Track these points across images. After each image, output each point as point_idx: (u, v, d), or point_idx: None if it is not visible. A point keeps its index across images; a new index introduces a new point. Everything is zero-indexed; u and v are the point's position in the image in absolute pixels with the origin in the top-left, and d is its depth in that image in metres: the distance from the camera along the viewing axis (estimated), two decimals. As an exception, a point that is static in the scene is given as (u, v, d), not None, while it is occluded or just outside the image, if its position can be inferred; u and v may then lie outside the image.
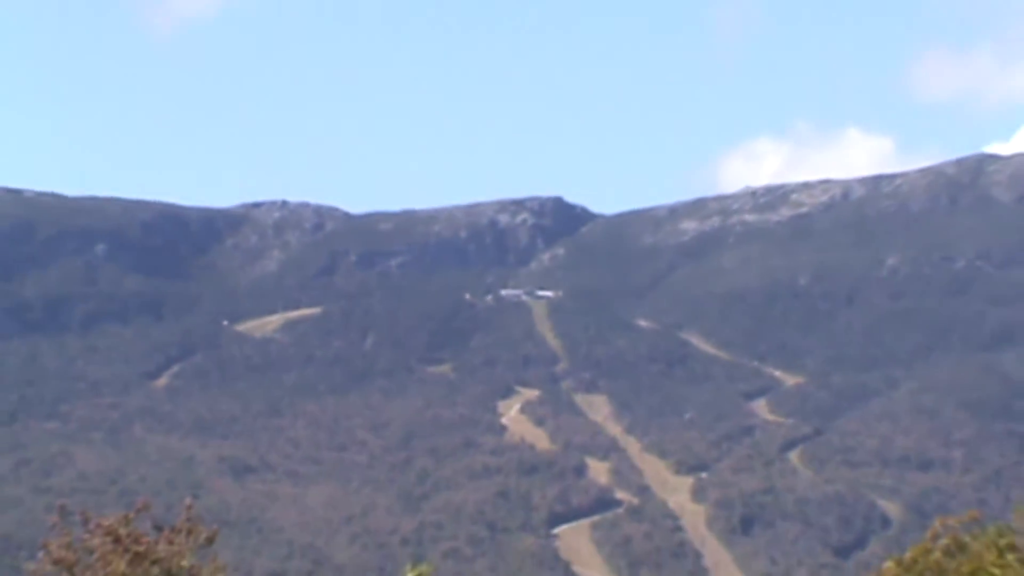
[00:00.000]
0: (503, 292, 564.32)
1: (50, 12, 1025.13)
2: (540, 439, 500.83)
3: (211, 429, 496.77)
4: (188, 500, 60.61)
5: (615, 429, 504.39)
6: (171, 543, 57.17)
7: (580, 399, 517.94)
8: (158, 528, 58.34)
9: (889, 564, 70.41)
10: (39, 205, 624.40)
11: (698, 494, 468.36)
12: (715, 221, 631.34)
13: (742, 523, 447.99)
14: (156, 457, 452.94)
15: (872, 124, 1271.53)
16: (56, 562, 57.89)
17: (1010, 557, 57.10)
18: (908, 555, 69.85)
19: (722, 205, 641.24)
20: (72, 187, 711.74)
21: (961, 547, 66.39)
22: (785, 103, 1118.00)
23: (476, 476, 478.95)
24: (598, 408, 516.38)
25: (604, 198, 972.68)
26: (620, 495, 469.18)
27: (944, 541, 68.45)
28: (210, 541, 58.46)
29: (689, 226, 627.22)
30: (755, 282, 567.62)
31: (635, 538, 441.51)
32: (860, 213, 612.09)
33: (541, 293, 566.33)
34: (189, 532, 57.86)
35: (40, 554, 59.38)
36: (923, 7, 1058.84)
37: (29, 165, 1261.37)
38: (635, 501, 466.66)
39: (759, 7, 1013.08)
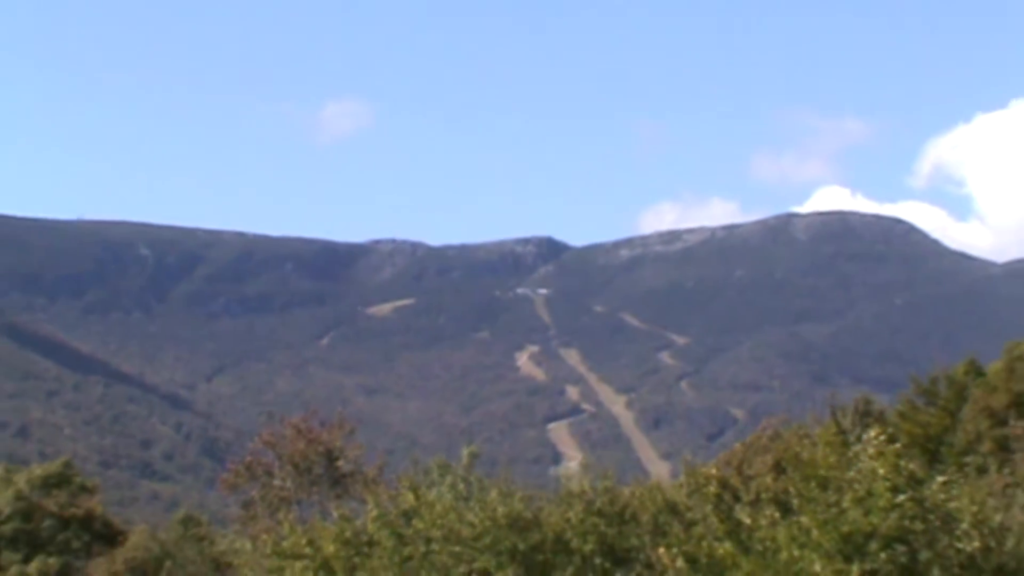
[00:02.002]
0: (518, 290, 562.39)
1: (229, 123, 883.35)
2: (539, 375, 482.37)
3: (353, 368, 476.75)
4: (339, 410, 62.50)
5: (582, 369, 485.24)
6: (330, 434, 56.15)
7: (562, 352, 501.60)
8: (322, 424, 57.76)
9: (737, 446, 68.73)
10: (256, 241, 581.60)
11: (629, 405, 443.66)
12: (639, 250, 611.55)
13: (654, 423, 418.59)
14: (322, 384, 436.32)
15: (726, 194, 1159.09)
16: (264, 443, 58.08)
17: (806, 441, 45.59)
18: (748, 440, 67.52)
19: (644, 240, 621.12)
20: (273, 229, 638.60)
21: (778, 435, 61.21)
22: (678, 181, 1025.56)
23: (502, 396, 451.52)
24: (573, 357, 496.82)
25: (576, 234, 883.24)
26: (584, 407, 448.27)
27: (768, 432, 64.36)
28: (352, 432, 58.19)
29: (625, 253, 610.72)
30: (662, 285, 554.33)
31: (593, 431, 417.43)
32: (720, 247, 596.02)
33: (540, 291, 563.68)
34: (340, 427, 57.58)
35: (256, 439, 60.62)
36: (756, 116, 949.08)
37: (247, 215, 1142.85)
38: (593, 410, 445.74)
39: (670, 119, 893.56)
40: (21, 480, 50.54)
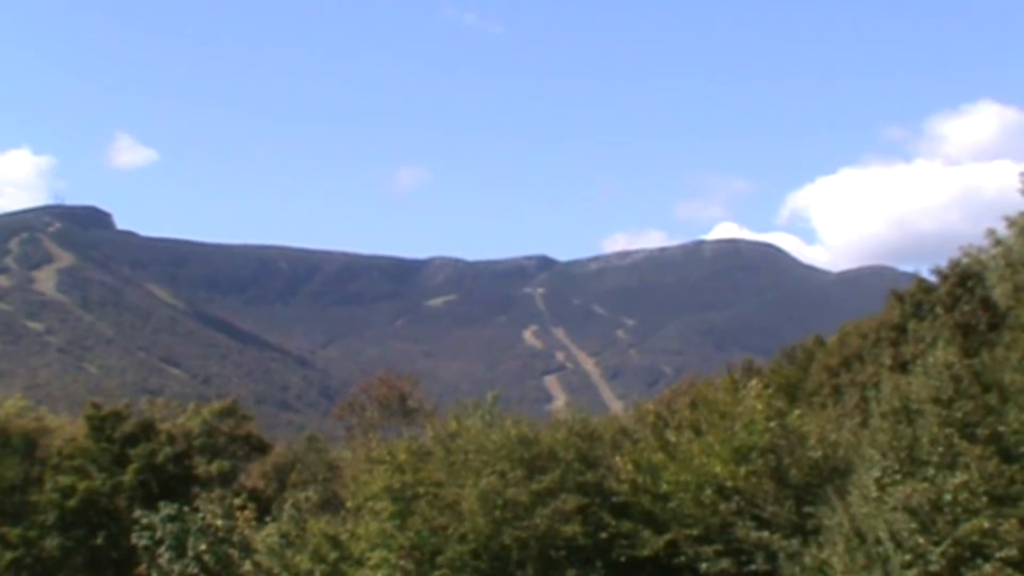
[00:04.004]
0: (524, 290, 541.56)
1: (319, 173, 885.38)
2: (537, 345, 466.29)
3: (416, 341, 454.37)
4: (410, 376, 57.09)
5: (566, 341, 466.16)
6: (402, 383, 52.98)
7: (553, 330, 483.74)
8: (397, 377, 54.27)
9: (666, 391, 58.18)
10: (354, 257, 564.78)
11: (596, 365, 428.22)
12: (603, 264, 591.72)
13: (612, 376, 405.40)
14: (396, 351, 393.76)
15: (659, 227, 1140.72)
16: (360, 389, 54.38)
17: (710, 388, 37.49)
18: (673, 388, 57.49)
19: (606, 257, 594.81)
20: (365, 249, 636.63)
21: (693, 385, 50.78)
22: (628, 217, 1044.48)
23: (514, 359, 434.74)
24: (560, 333, 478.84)
25: (562, 253, 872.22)
26: (567, 365, 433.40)
27: (687, 383, 55.52)
28: (416, 383, 54.92)
29: (594, 265, 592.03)
30: (618, 287, 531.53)
31: (572, 382, 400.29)
32: (655, 262, 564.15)
33: (538, 291, 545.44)
34: (408, 379, 54.51)
35: (355, 387, 57.12)
36: (679, 175, 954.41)
37: (349, 239, 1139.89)
38: (572, 367, 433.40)
39: (624, 175, 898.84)
40: (206, 412, 51.53)
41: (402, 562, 27.73)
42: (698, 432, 28.18)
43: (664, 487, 27.20)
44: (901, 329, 37.78)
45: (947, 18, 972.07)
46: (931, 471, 21.07)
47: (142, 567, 33.72)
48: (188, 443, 46.99)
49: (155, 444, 44.57)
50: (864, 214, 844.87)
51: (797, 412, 28.38)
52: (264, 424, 61.08)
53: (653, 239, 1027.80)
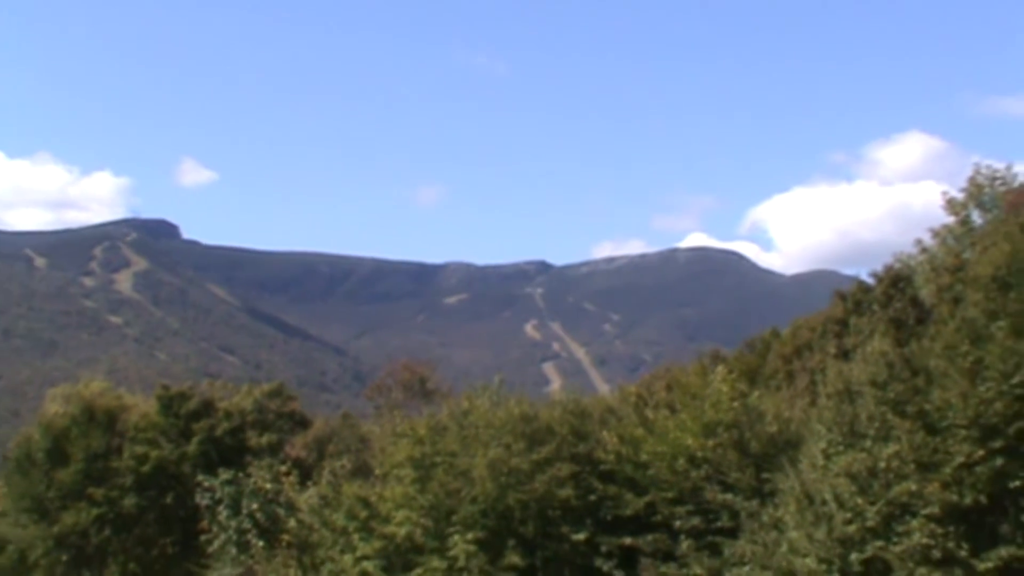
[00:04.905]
0: (526, 290, 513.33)
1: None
2: (537, 336, 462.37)
3: (435, 333, 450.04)
4: (429, 363, 56.13)
5: (561, 333, 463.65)
6: (423, 368, 51.36)
7: (550, 324, 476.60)
8: (418, 363, 53.36)
9: (646, 376, 55.73)
10: (382, 262, 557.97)
11: (587, 353, 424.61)
12: (593, 268, 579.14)
13: (600, 363, 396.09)
14: (417, 341, 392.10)
15: (639, 237, 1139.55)
16: (387, 373, 53.14)
17: (683, 373, 36.13)
18: (652, 373, 54.49)
19: (595, 262, 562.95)
20: (391, 255, 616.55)
21: (668, 370, 48.42)
22: (614, 228, 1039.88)
23: (517, 348, 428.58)
24: (556, 327, 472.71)
25: (557, 258, 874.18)
26: (562, 354, 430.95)
27: (663, 368, 53.38)
28: (434, 368, 53.82)
29: (584, 269, 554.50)
30: (605, 288, 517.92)
31: (567, 367, 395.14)
32: (636, 267, 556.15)
33: (538, 290, 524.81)
34: (428, 365, 53.54)
35: (382, 372, 55.80)
36: (655, 193, 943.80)
37: (378, 246, 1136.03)
38: (567, 356, 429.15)
39: (611, 193, 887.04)
40: (257, 393, 50.93)
41: (422, 520, 27.81)
42: (673, 410, 28.12)
43: (644, 457, 27.09)
44: (844, 323, 37.76)
45: (882, 61, 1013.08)
46: (868, 443, 21.14)
47: (204, 523, 33.97)
48: (242, 419, 47.02)
49: (214, 420, 44.67)
50: (813, 226, 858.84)
51: (757, 393, 28.30)
52: (306, 403, 60.54)
53: (634, 247, 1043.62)
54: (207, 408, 44.98)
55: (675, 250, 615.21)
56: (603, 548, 26.37)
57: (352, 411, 64.80)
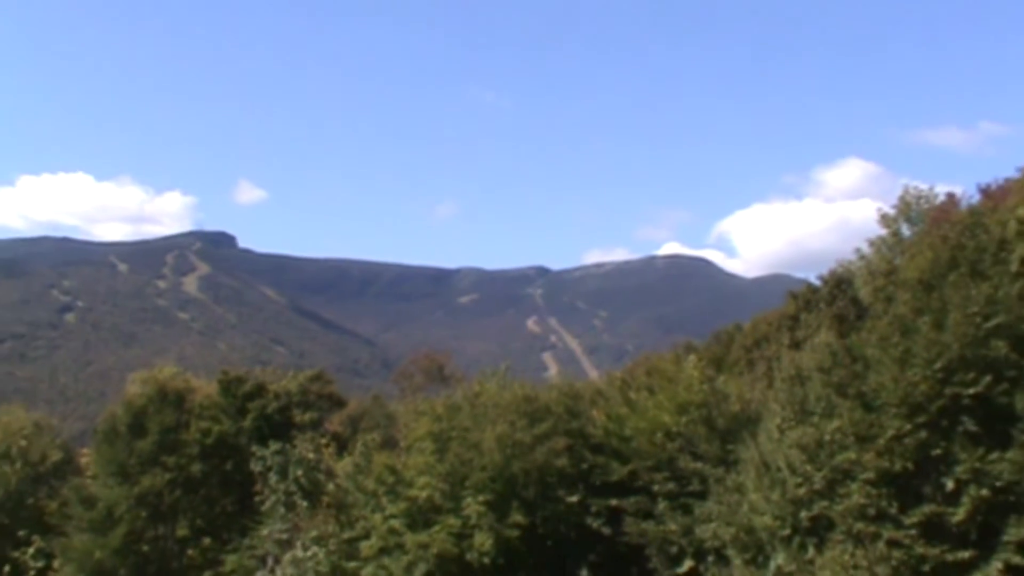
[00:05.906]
0: (527, 290, 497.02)
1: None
2: (537, 330, 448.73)
3: (449, 328, 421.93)
4: (445, 353, 52.62)
5: (558, 327, 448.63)
6: (440, 358, 50.20)
7: (548, 319, 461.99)
8: (436, 352, 52.02)
9: (629, 364, 53.89)
10: (404, 267, 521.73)
11: (579, 344, 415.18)
12: (584, 272, 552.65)
13: (590, 352, 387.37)
14: (435, 335, 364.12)
15: (623, 246, 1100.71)
16: (410, 362, 51.99)
17: (661, 361, 32.12)
18: (634, 361, 52.53)
19: (586, 268, 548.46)
20: (412, 260, 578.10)
21: (648, 359, 44.33)
22: (603, 238, 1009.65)
23: (520, 340, 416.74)
24: (553, 322, 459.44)
25: (554, 263, 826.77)
26: (558, 345, 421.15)
27: (644, 357, 49.65)
28: (449, 357, 51.92)
29: (577, 273, 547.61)
30: (595, 290, 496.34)
31: (562, 357, 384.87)
32: (620, 272, 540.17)
33: (537, 291, 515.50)
34: (444, 355, 52.16)
35: (406, 361, 54.84)
36: (636, 209, 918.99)
37: (401, 253, 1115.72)
38: (562, 346, 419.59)
39: (600, 209, 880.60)
40: (301, 377, 50.24)
41: (440, 485, 27.79)
42: (652, 392, 28.02)
43: (627, 431, 26.98)
44: (795, 319, 37.79)
45: (827, 97, 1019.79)
46: (816, 419, 21.19)
47: (258, 486, 34.04)
48: (288, 399, 46.09)
49: (266, 400, 44.23)
50: (769, 236, 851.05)
51: (722, 378, 28.25)
52: (342, 387, 59.73)
53: (619, 254, 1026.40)
54: (260, 390, 44.54)
55: (654, 257, 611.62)
56: (593, 509, 26.44)
57: (380, 394, 63.87)
